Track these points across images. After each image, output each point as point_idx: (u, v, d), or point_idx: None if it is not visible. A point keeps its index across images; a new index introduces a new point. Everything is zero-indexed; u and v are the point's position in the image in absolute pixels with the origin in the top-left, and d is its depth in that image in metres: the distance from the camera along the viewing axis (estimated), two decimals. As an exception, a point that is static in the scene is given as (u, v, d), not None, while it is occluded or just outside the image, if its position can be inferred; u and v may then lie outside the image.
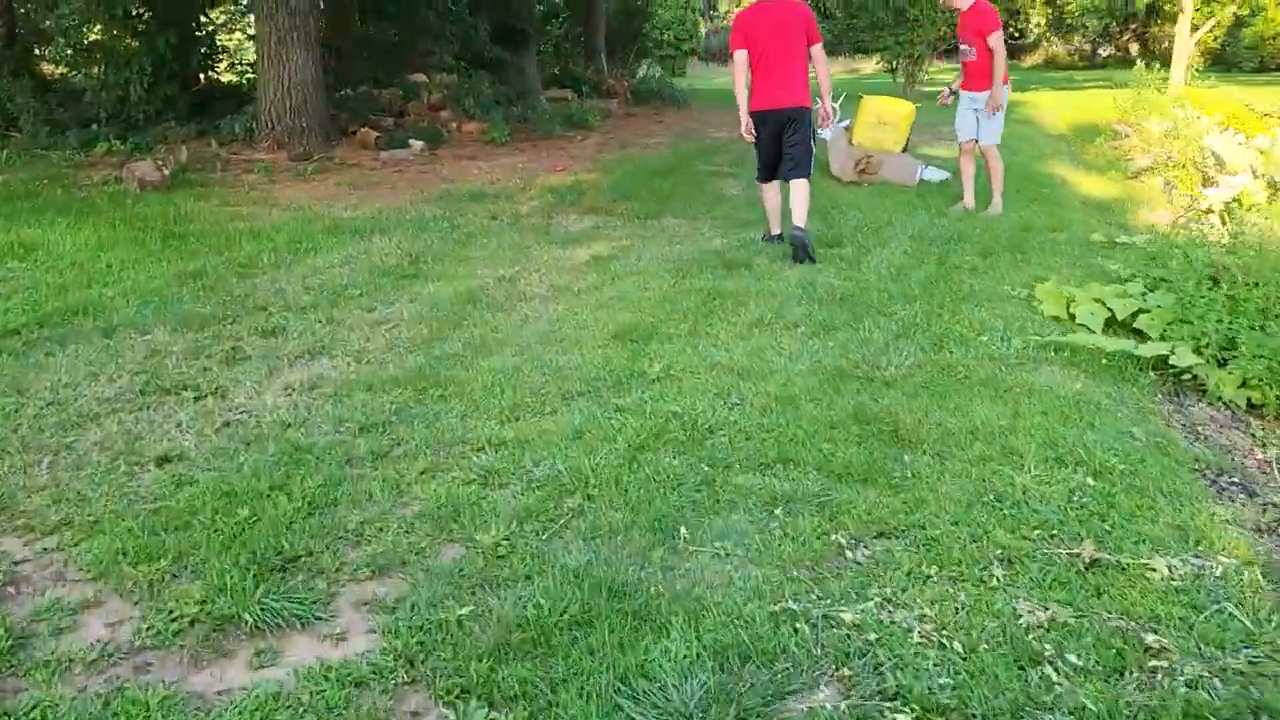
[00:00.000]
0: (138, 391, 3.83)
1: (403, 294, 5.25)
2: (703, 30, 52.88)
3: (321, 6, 14.30)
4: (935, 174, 9.07)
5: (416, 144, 10.57)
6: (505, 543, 2.70)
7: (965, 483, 3.08)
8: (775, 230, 6.40)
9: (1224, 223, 7.02)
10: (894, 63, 19.83)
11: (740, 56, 5.94)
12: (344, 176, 9.18)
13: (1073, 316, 4.78)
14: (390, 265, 5.82)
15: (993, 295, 5.19)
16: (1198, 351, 4.08)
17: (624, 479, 3.06)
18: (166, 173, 8.48)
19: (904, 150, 9.28)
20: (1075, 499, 2.97)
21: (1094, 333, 4.56)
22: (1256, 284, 4.38)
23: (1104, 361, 4.15)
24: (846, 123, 9.10)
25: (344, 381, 3.97)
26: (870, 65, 41.55)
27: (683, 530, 2.77)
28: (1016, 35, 39.51)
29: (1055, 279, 5.14)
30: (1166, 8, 35.35)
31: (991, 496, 2.99)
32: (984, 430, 3.44)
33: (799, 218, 5.92)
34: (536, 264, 5.95)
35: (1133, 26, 44.40)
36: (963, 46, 7.30)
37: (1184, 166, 8.83)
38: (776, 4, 5.92)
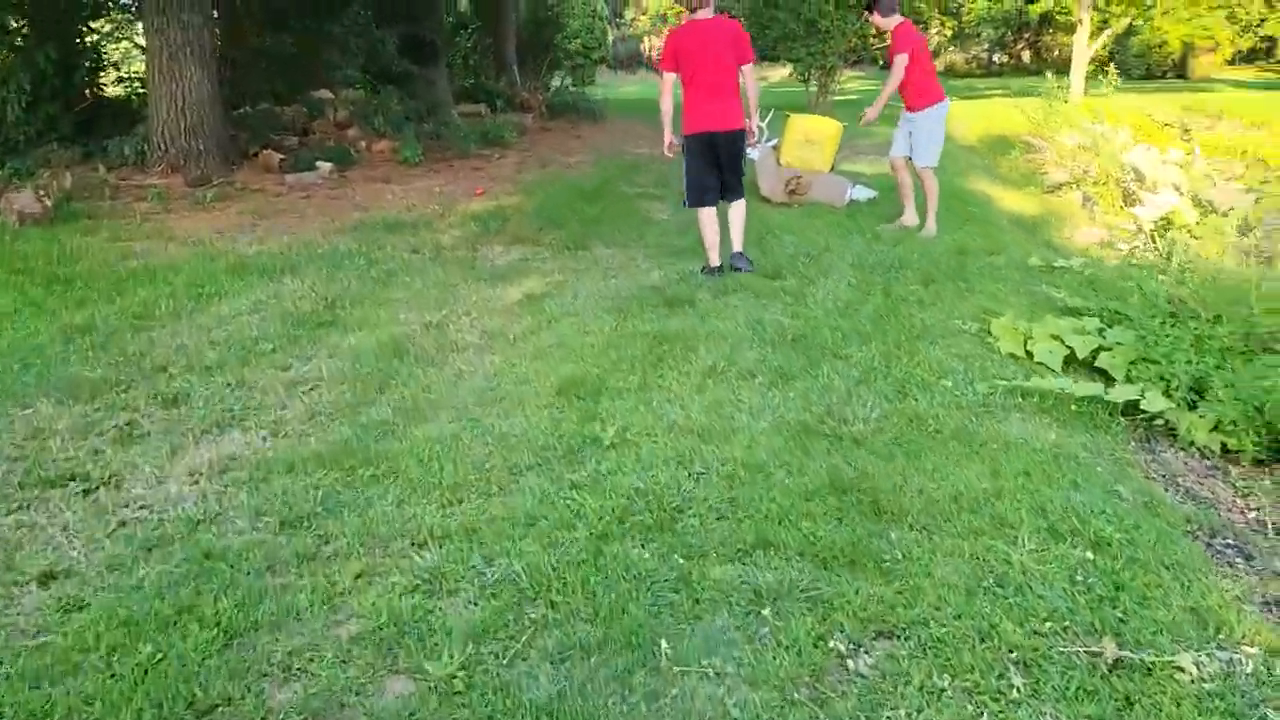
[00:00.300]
0: (16, 485, 3.32)
1: (321, 347, 4.79)
2: (610, 38, 52.94)
3: (216, 15, 13.57)
4: (864, 193, 8.96)
5: (324, 165, 10.00)
6: (461, 673, 2.33)
7: (960, 564, 2.83)
8: (715, 262, 6.13)
9: (1154, 242, 7.03)
10: (806, 74, 19.90)
11: (668, 78, 5.92)
12: (247, 204, 8.58)
13: (1030, 355, 4.63)
14: (305, 312, 5.34)
15: (945, 331, 5.02)
16: (1167, 394, 3.95)
17: (590, 580, 2.72)
18: (49, 203, 7.77)
19: (831, 169, 9.16)
20: (1079, 579, 2.75)
21: (1055, 372, 4.41)
22: (1219, 318, 4.28)
23: (1073, 408, 3.99)
24: (774, 142, 8.92)
25: (260, 462, 3.52)
26: (780, 73, 42.17)
27: (664, 645, 2.45)
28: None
29: (1010, 314, 4.99)
30: (1058, 18, 36.65)
31: (991, 580, 2.75)
32: (968, 497, 3.21)
33: (738, 242, 6.14)
34: (465, 305, 5.55)
35: (1026, 35, 46.00)
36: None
37: (1104, 183, 8.90)
38: (708, 22, 5.80)
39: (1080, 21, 20.51)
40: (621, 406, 3.97)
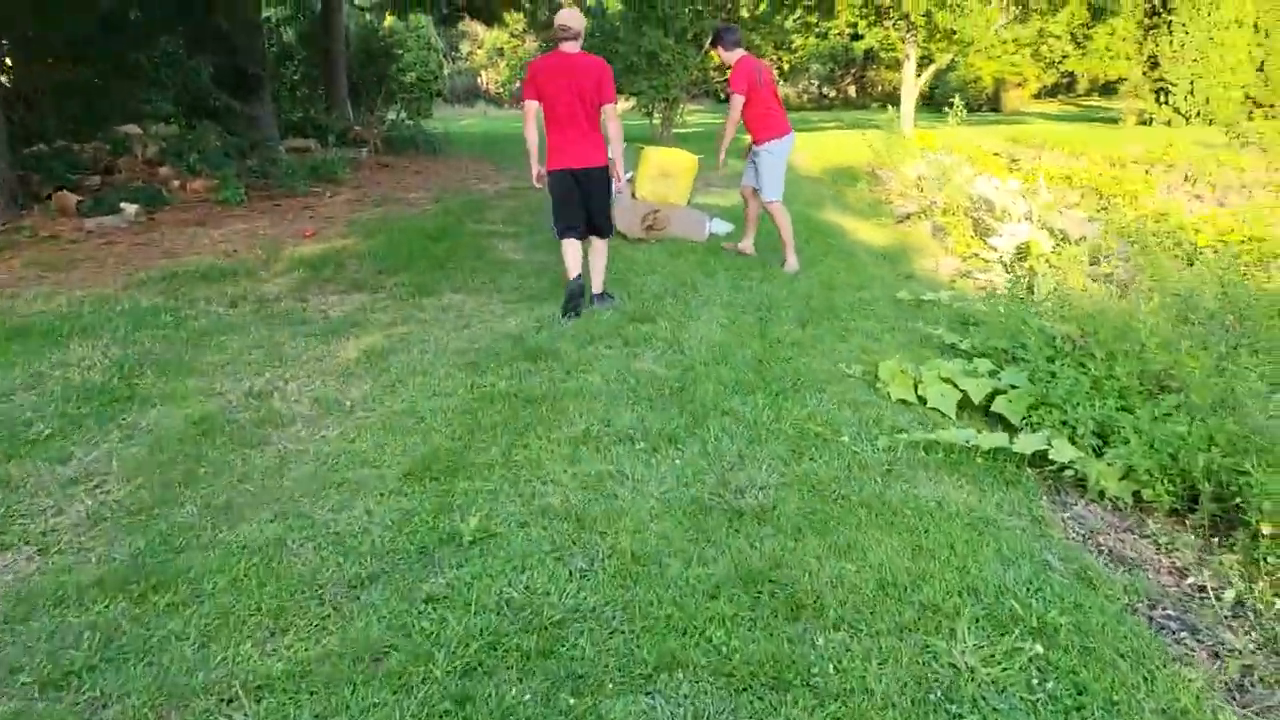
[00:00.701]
0: None
1: (111, 429, 3.97)
2: (446, 71, 52.02)
3: (4, 43, 12.14)
4: (721, 226, 8.69)
5: (129, 208, 8.92)
6: None
7: (900, 672, 2.39)
8: (574, 272, 5.76)
9: (1013, 272, 7.00)
10: (649, 107, 19.83)
11: (530, 106, 5.60)
12: (36, 253, 7.48)
13: (923, 400, 4.33)
14: (95, 384, 4.47)
15: (830, 376, 4.67)
16: (1073, 441, 3.70)
17: (458, 742, 2.13)
18: None
19: (688, 203, 8.85)
20: (1036, 684, 2.36)
21: (952, 420, 4.12)
22: (1113, 356, 4.09)
23: (979, 461, 3.68)
24: (629, 176, 8.54)
25: (21, 593, 2.74)
26: (622, 106, 42.50)
27: (560, 833, 1.88)
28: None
29: (895, 356, 4.69)
30: (882, 55, 38.51)
31: (940, 692, 2.32)
32: (893, 582, 2.80)
33: (598, 282, 5.96)
34: (294, 367, 4.81)
35: (852, 71, 48.23)
36: None
37: (953, 213, 8.96)
38: (573, 57, 5.55)
39: (907, 57, 21.32)
40: (483, 489, 3.38)
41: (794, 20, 22.49)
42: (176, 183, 10.41)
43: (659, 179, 8.46)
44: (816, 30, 22.97)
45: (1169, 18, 21.17)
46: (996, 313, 5.51)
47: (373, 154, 14.43)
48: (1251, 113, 22.20)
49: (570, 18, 5.59)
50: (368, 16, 20.56)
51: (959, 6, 19.08)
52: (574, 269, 5.75)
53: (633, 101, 20.04)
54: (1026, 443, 3.67)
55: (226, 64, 12.78)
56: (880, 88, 47.41)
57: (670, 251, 7.71)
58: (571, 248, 5.76)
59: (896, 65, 41.22)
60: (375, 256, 7.35)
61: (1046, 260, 6.69)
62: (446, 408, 4.18)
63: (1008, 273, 7.17)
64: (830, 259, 7.66)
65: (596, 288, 5.94)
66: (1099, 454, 3.69)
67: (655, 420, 4.02)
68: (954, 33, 19.08)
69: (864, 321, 5.75)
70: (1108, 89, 41.04)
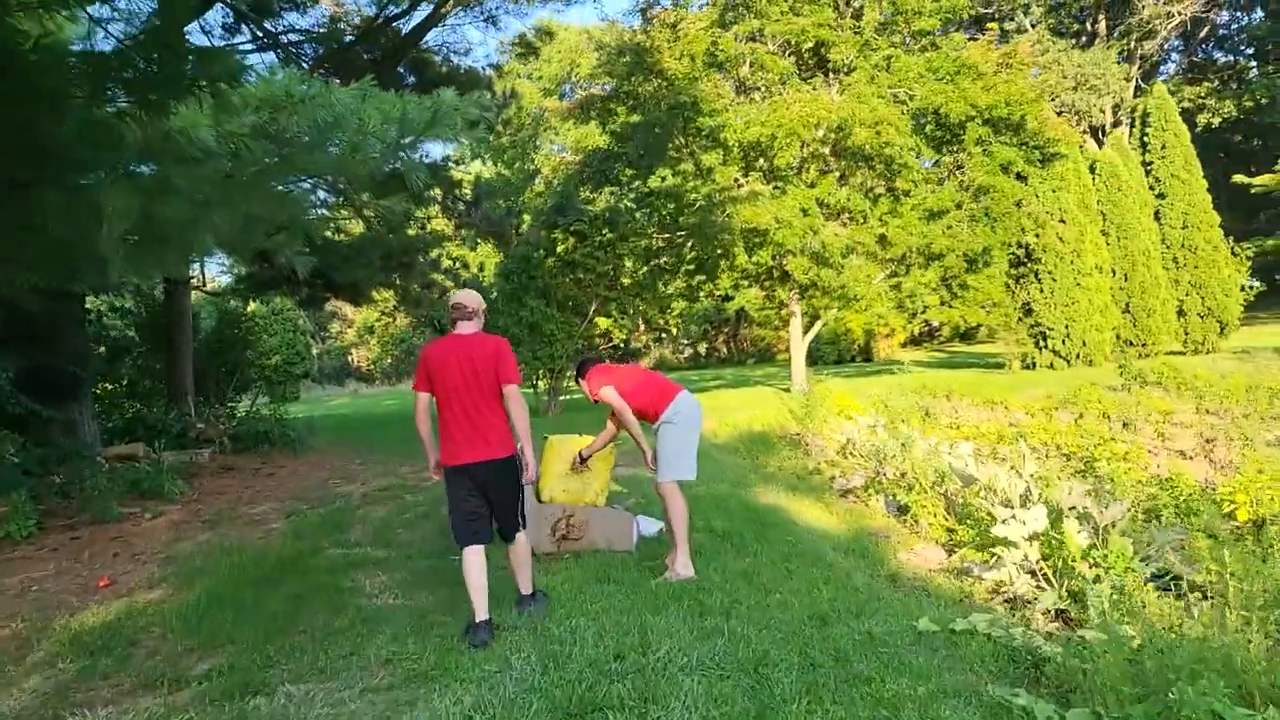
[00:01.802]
0: None
1: None
2: (315, 351, 50.71)
3: None
4: (649, 526, 7.00)
5: None
6: None
7: None
8: (478, 615, 4.76)
9: (1044, 575, 5.48)
10: (533, 377, 18.63)
11: (421, 399, 5.04)
12: None
13: None
14: None
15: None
16: None
17: None
18: None
19: (607, 501, 7.20)
20: None
21: None
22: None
23: None
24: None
25: None
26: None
27: None
28: (622, 345, 41.63)
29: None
30: (753, 315, 39.57)
31: None
32: None
33: (525, 583, 5.19)
34: None
35: (724, 330, 49.50)
36: None
37: (919, 490, 7.57)
38: (467, 338, 5.00)
39: (793, 314, 21.10)
40: None
41: (676, 286, 22.20)
42: (-55, 515, 8.09)
43: (569, 476, 6.80)
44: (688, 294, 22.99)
45: (1035, 266, 21.84)
46: (1083, 653, 3.88)
47: (217, 455, 12.36)
48: (1124, 350, 22.71)
49: (465, 296, 5.13)
50: (231, 302, 19.07)
51: (840, 265, 19.09)
52: (480, 605, 4.76)
53: (515, 374, 18.83)
54: None
55: (37, 365, 10.78)
56: (748, 344, 48.78)
57: (594, 572, 5.91)
58: (475, 563, 4.87)
59: (767, 324, 42.69)
60: (186, 622, 5.24)
61: (1091, 561, 5.19)
62: None
63: (1028, 575, 5.64)
64: (798, 564, 6.01)
65: (524, 588, 5.18)
66: None
67: None
68: (842, 288, 18.94)
69: (895, 680, 4.00)
70: (966, 335, 43.20)
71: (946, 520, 7.13)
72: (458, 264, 27.12)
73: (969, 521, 6.82)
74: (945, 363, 29.22)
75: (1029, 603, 5.30)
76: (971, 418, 12.67)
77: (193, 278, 16.14)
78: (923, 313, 38.18)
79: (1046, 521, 5.60)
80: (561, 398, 19.72)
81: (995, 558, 5.97)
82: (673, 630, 4.71)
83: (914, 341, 44.63)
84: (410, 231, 14.53)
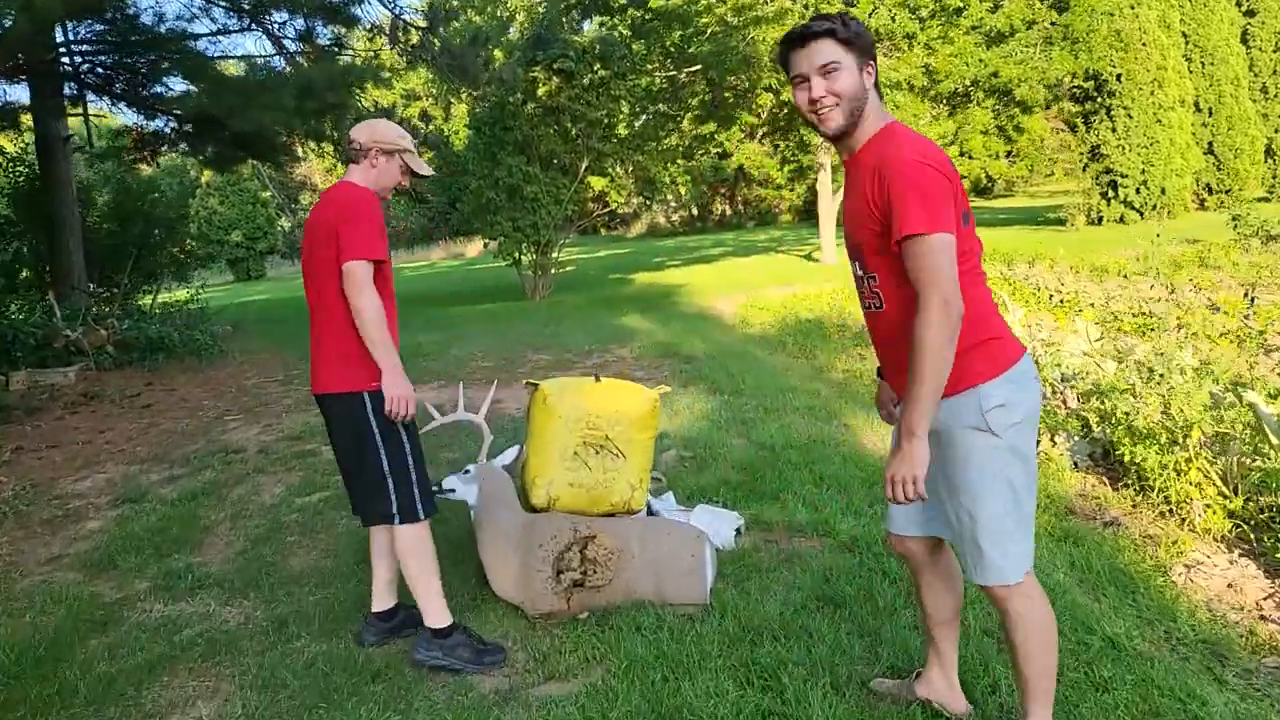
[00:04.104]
0: None
1: None
2: (286, 224, 46.75)
3: None
4: (725, 529, 3.95)
5: None
6: None
7: None
8: (378, 601, 3.22)
9: None
10: (514, 251, 15.30)
11: None
12: None
13: None
14: None
15: None
16: None
17: None
18: None
19: (657, 496, 4.15)
20: None
21: None
22: None
23: None
24: (509, 460, 3.77)
25: None
26: (475, 248, 38.01)
27: None
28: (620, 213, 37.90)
29: None
30: (754, 173, 35.70)
31: None
32: None
33: (425, 612, 3.06)
34: None
35: (722, 191, 45.61)
36: None
37: (1166, 436, 4.46)
38: (324, 194, 3.03)
39: (822, 166, 17.64)
40: None
41: (677, 140, 18.54)
42: None
43: (580, 455, 3.68)
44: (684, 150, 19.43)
45: (1107, 101, 18.24)
46: None
47: (90, 370, 9.17)
48: (1204, 200, 19.45)
49: (355, 129, 3.08)
50: (141, 171, 15.44)
51: (884, 101, 15.55)
52: (377, 594, 3.21)
53: (494, 242, 15.50)
54: None
55: None
56: (753, 204, 45.03)
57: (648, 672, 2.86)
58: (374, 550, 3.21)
59: (769, 183, 38.89)
60: None
61: None
62: None
63: None
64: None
65: (427, 619, 3.08)
66: None
67: None
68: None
69: None
70: (983, 191, 39.59)
71: (1226, 497, 4.12)
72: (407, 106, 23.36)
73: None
74: (989, 220, 25.51)
75: None
76: (1094, 294, 9.58)
77: (71, 135, 12.54)
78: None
79: None
80: (554, 272, 16.46)
81: None
82: None
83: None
84: (340, 64, 10.95)
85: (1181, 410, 4.28)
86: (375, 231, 2.84)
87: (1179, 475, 4.29)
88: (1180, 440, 4.29)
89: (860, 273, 2.24)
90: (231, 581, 3.83)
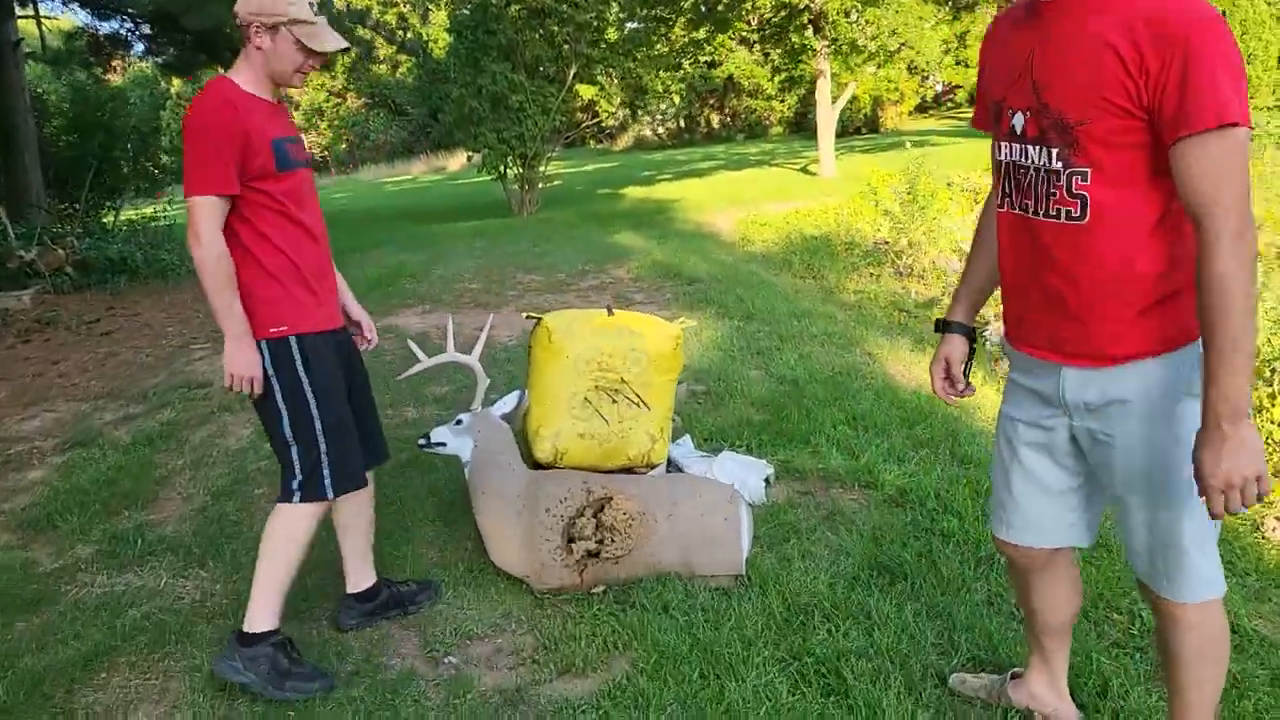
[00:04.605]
0: None
1: None
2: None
3: None
4: (755, 480, 3.44)
5: None
6: None
7: None
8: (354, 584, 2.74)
9: None
10: (499, 165, 14.49)
11: None
12: None
13: None
14: None
15: None
16: None
17: None
18: None
19: (674, 440, 3.61)
20: None
21: None
22: None
23: None
24: (508, 407, 3.22)
25: None
26: (457, 162, 36.67)
27: None
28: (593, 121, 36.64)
29: None
30: (744, 83, 34.39)
31: None
32: None
33: (253, 608, 2.46)
34: None
35: (710, 101, 44.17)
36: None
37: None
38: None
39: (821, 73, 16.76)
40: None
41: (678, 37, 17.54)
42: None
43: (593, 403, 3.15)
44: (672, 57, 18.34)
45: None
46: None
47: (48, 293, 8.52)
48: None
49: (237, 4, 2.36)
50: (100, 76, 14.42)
51: (889, 3, 14.65)
52: (351, 572, 2.76)
53: (477, 156, 14.68)
54: None
55: None
56: (743, 115, 43.63)
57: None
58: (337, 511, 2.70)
59: (759, 93, 37.58)
60: None
61: None
62: None
63: None
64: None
65: (251, 618, 2.45)
66: None
67: None
68: (894, 33, 14.60)
69: None
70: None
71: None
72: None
73: None
74: (970, 132, 24.58)
75: None
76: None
77: (21, 39, 11.58)
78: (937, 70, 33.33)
79: None
80: (540, 187, 15.66)
81: None
82: None
83: (920, 109, 39.84)
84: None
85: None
86: (213, 155, 2.22)
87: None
88: None
89: (1047, 163, 1.60)
90: (187, 546, 3.32)
